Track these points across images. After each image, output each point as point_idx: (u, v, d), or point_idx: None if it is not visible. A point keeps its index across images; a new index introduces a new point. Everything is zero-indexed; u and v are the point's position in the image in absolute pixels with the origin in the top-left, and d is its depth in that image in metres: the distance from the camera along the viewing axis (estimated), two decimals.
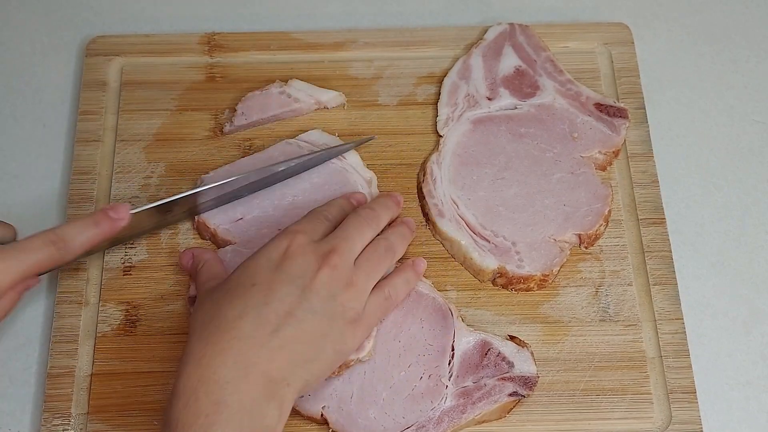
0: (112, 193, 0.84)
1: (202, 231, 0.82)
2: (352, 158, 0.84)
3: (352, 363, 0.72)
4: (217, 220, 0.81)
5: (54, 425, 0.74)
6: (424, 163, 0.84)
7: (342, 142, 0.85)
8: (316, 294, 0.67)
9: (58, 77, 0.92)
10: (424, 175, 0.83)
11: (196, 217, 0.81)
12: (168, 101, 0.88)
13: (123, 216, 0.72)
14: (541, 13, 0.95)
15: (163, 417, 0.62)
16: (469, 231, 0.80)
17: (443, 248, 0.81)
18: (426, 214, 0.82)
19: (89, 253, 0.76)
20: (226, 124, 0.86)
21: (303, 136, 0.85)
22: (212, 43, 0.91)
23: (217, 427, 0.60)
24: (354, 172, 0.83)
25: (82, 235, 0.70)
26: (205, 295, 0.70)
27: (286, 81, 0.88)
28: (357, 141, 0.85)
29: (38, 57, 0.93)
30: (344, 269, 0.69)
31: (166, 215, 0.79)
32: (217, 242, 0.81)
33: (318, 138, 0.85)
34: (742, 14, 0.97)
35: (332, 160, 0.83)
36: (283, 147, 0.84)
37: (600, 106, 0.86)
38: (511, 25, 0.90)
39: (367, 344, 0.72)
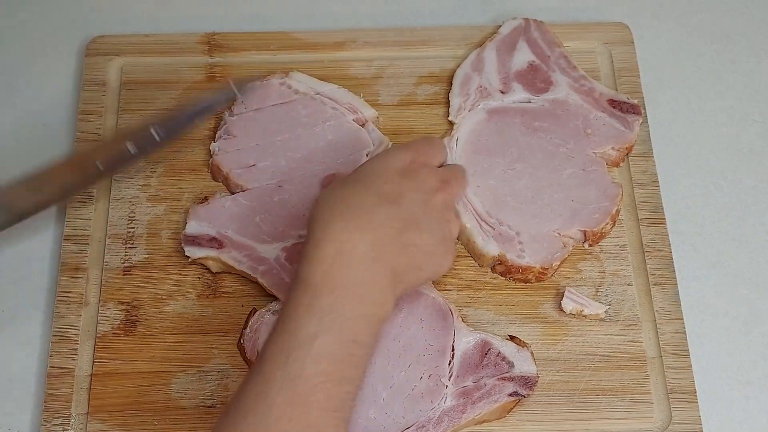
0: (112, 193, 0.84)
1: (215, 173, 0.84)
2: (368, 112, 0.86)
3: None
4: (230, 163, 0.83)
5: (54, 425, 0.74)
6: None
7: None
8: (436, 210, 0.70)
9: (58, 77, 0.92)
10: None
11: (210, 160, 0.83)
12: (168, 101, 0.88)
13: None
14: (541, 13, 0.95)
15: (295, 277, 0.64)
16: (476, 215, 0.81)
17: None
18: None
19: None
20: (226, 113, 0.86)
21: (326, 91, 0.87)
22: (212, 43, 0.91)
23: (349, 301, 0.62)
24: (365, 133, 0.85)
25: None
26: (333, 187, 0.70)
27: (287, 73, 0.88)
28: None
29: (38, 57, 0.93)
30: (453, 201, 0.73)
31: None
32: (230, 186, 0.83)
33: (343, 96, 0.87)
34: (742, 14, 0.97)
35: (349, 119, 0.85)
36: (305, 101, 0.86)
37: (613, 103, 0.86)
38: (526, 20, 0.91)
39: None
